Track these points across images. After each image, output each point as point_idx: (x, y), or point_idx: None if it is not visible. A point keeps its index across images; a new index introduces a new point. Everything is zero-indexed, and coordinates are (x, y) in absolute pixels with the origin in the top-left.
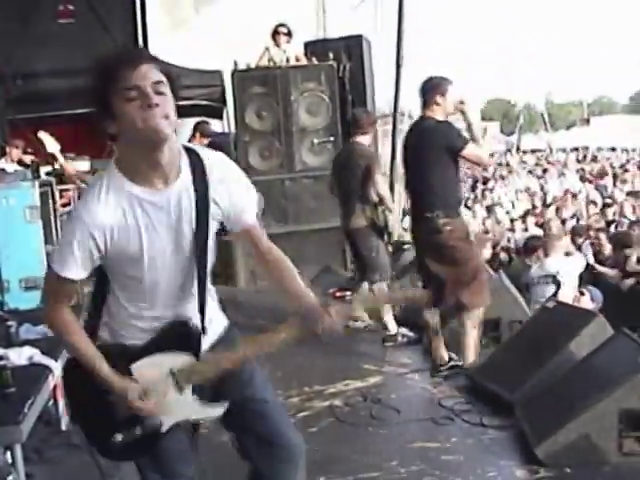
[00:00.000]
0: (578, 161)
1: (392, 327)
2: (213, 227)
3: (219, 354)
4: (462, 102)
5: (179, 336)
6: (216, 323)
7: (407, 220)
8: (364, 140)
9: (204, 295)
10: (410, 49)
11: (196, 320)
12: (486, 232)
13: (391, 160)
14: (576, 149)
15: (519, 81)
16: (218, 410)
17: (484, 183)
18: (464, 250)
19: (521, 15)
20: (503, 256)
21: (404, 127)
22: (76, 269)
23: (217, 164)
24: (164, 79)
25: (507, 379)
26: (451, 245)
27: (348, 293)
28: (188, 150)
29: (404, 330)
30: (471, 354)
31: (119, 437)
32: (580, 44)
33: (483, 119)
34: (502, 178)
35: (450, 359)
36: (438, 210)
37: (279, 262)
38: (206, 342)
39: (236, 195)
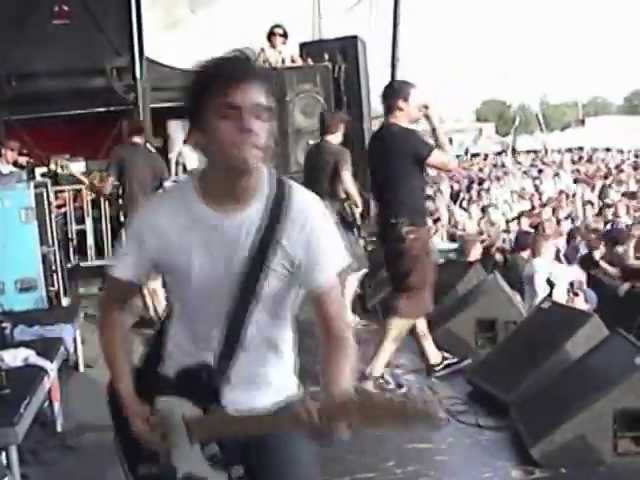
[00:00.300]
0: (573, 162)
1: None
2: (274, 275)
3: (236, 415)
4: (426, 107)
5: (195, 382)
6: (269, 392)
7: None
8: (333, 139)
9: (232, 345)
10: (406, 50)
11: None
12: (480, 233)
13: None
14: (571, 150)
15: (514, 82)
16: (223, 476)
17: (480, 184)
18: (421, 259)
19: (516, 16)
20: (498, 257)
21: None
22: (124, 269)
23: (304, 208)
24: (268, 103)
25: (502, 380)
26: (412, 254)
27: None
28: (280, 183)
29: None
30: (379, 365)
31: (142, 469)
32: (575, 45)
33: (478, 120)
34: (497, 179)
35: (444, 358)
36: (403, 217)
37: (336, 339)
38: (240, 403)
39: (315, 248)
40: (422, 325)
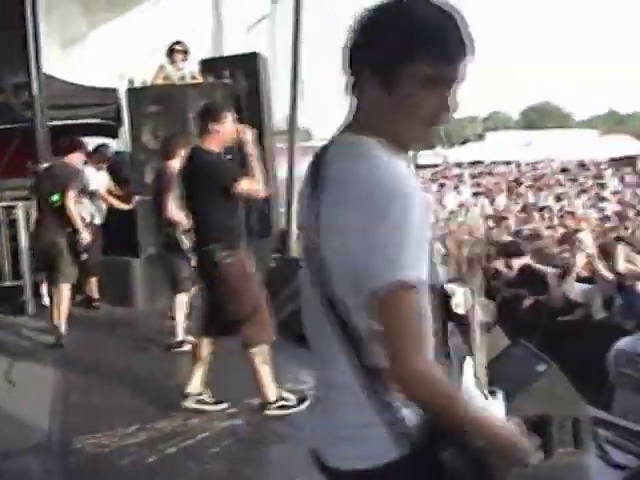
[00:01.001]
0: (473, 176)
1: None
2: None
3: None
4: (241, 132)
5: None
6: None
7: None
8: (173, 164)
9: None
10: (309, 67)
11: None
12: None
13: (288, 177)
14: (471, 163)
15: None
16: None
17: None
18: (242, 285)
19: None
20: None
21: (301, 145)
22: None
23: None
24: None
25: None
26: (229, 280)
27: None
28: None
29: (191, 338)
30: (269, 391)
31: None
32: (473, 60)
33: None
34: None
35: (281, 398)
36: (216, 243)
37: None
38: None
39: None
40: (207, 353)
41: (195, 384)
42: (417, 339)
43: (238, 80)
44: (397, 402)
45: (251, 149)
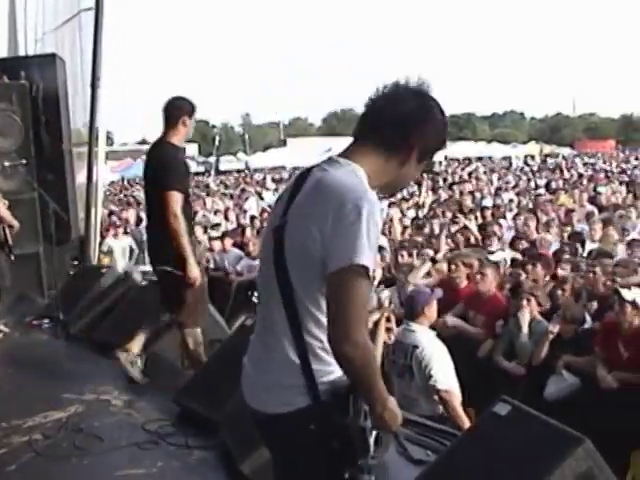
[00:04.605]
0: (275, 181)
1: None
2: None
3: None
4: None
5: None
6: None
7: (106, 243)
8: None
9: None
10: (109, 71)
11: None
12: None
13: (87, 182)
14: (274, 169)
15: (216, 102)
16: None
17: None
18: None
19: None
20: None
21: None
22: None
23: None
24: None
25: (211, 398)
26: (176, 266)
27: (46, 321)
28: None
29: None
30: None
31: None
32: (274, 68)
33: None
34: (199, 199)
35: None
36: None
37: None
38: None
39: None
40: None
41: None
42: (360, 313)
43: (35, 82)
44: (321, 365)
45: None
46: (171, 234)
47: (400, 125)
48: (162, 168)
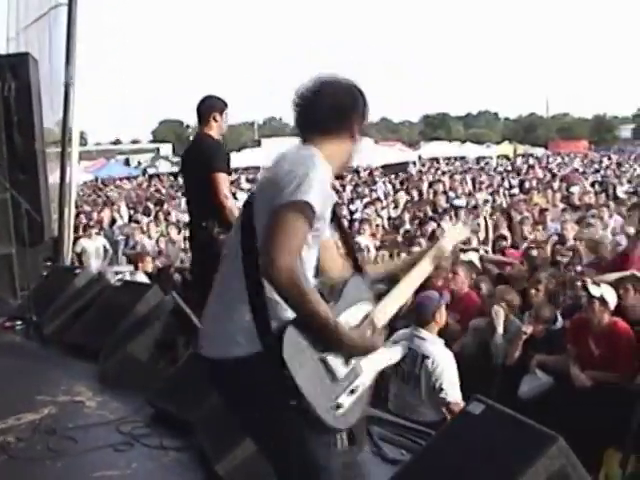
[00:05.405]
0: (249, 181)
1: None
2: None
3: None
4: None
5: None
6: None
7: (79, 244)
8: None
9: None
10: (83, 70)
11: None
12: (160, 252)
13: (60, 183)
14: (247, 169)
15: (191, 102)
16: None
17: (156, 205)
18: None
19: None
20: (177, 277)
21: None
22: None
23: None
24: None
25: (186, 399)
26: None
27: (18, 322)
28: None
29: None
30: None
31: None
32: (246, 68)
33: (155, 141)
34: (174, 199)
35: None
36: (211, 220)
37: None
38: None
39: None
40: None
41: None
42: (288, 242)
43: (7, 81)
44: (271, 312)
45: None
46: (224, 213)
47: (337, 110)
48: (206, 155)
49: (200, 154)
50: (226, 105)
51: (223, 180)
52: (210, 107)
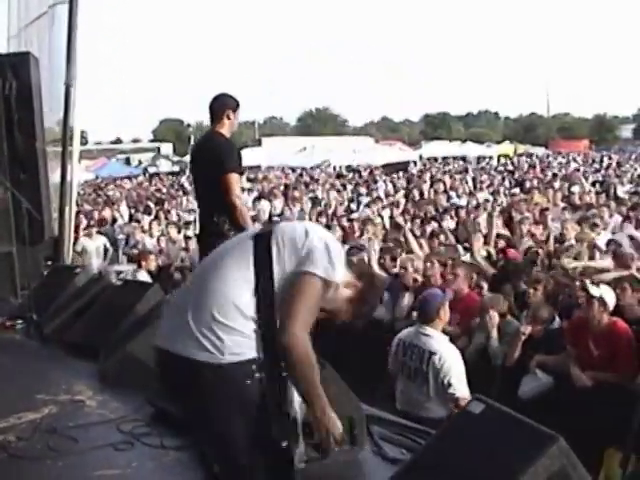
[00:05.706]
0: (250, 180)
1: None
2: None
3: None
4: None
5: None
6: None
7: (80, 243)
8: None
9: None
10: (84, 69)
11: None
12: (160, 251)
13: (61, 182)
14: (248, 168)
15: (190, 101)
16: None
17: (157, 204)
18: None
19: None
20: (177, 276)
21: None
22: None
23: None
24: None
25: None
26: None
27: (19, 321)
28: None
29: None
30: None
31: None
32: (249, 67)
33: (156, 140)
34: (174, 198)
35: None
36: (223, 216)
37: None
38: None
39: None
40: None
41: None
42: (304, 314)
43: (8, 80)
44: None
45: None
46: (235, 213)
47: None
48: (218, 153)
49: (212, 152)
50: (238, 103)
51: (236, 181)
52: (224, 105)
